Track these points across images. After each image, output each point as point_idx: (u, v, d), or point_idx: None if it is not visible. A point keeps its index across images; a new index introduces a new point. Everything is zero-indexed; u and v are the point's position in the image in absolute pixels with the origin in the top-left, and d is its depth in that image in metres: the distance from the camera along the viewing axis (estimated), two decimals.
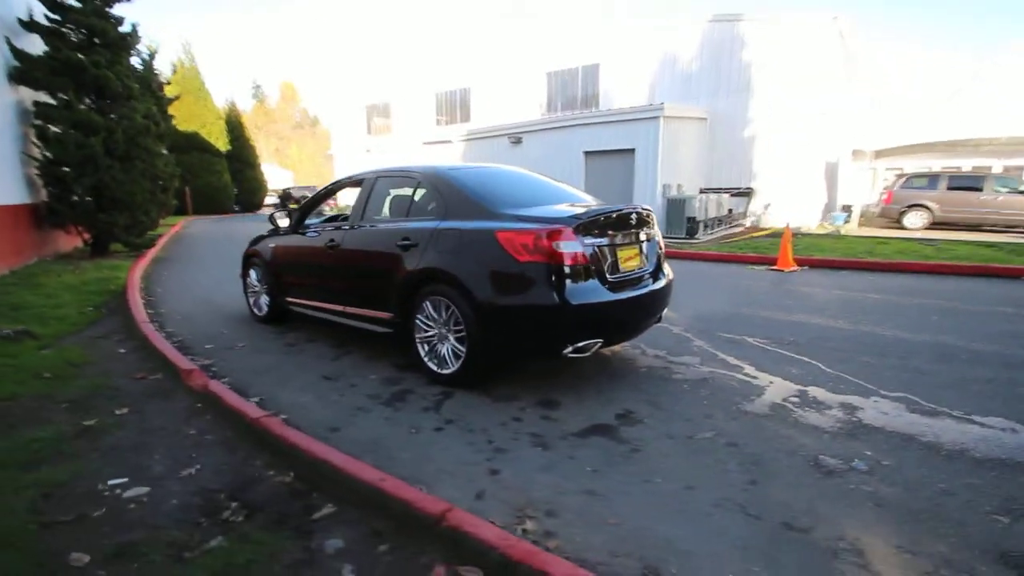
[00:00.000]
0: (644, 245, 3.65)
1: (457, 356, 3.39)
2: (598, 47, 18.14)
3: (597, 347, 3.23)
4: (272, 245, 5.01)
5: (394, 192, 4.12)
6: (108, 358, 4.09)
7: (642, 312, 3.53)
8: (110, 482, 2.32)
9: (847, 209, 14.67)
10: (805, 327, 4.84)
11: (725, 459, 2.50)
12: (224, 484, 2.33)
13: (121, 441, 2.72)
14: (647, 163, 13.85)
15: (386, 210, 4.15)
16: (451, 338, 3.41)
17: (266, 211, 34.80)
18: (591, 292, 3.14)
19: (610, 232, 3.34)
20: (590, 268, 3.17)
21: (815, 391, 3.31)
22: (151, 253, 9.83)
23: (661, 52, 16.91)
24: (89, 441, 2.71)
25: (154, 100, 13.07)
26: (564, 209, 3.40)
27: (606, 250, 3.30)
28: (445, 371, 3.47)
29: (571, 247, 3.06)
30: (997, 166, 18.13)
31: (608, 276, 3.28)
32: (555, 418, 2.98)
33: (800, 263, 8.55)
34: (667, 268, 3.92)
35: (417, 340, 3.61)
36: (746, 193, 15.92)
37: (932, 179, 14.59)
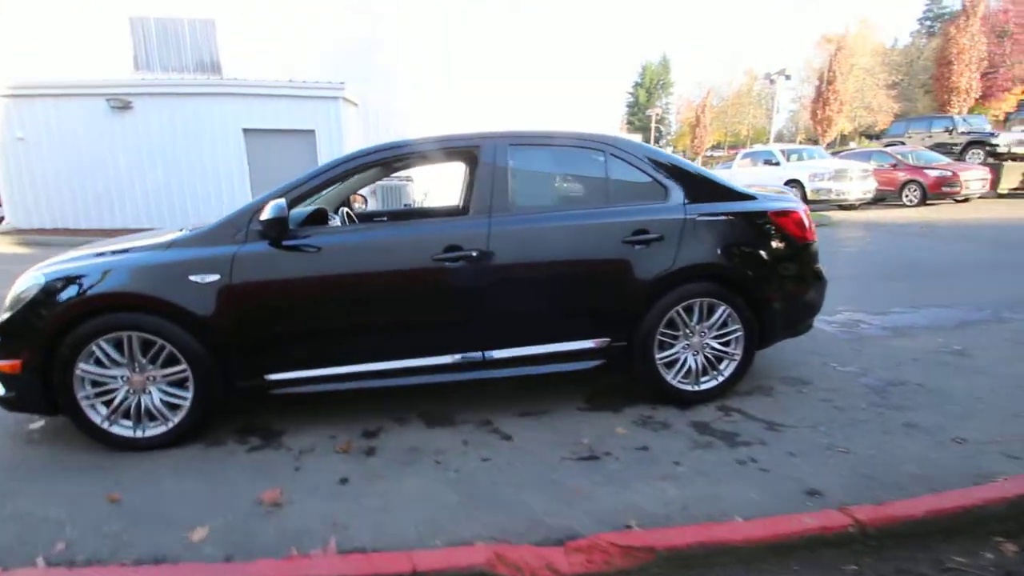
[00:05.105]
0: None
1: (719, 360, 2.87)
2: None
3: None
4: (213, 280, 2.37)
5: (555, 167, 2.83)
6: None
7: None
8: None
9: None
10: None
11: (977, 377, 3.07)
12: None
13: None
14: (332, 147, 12.61)
15: (544, 195, 2.80)
16: (713, 344, 2.84)
17: None
18: None
19: None
20: None
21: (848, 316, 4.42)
22: None
23: (301, 27, 15.23)
24: None
25: None
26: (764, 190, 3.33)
27: None
28: (702, 386, 2.83)
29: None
30: None
31: None
32: (849, 394, 2.97)
33: None
34: None
35: (658, 362, 2.78)
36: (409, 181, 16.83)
37: None
